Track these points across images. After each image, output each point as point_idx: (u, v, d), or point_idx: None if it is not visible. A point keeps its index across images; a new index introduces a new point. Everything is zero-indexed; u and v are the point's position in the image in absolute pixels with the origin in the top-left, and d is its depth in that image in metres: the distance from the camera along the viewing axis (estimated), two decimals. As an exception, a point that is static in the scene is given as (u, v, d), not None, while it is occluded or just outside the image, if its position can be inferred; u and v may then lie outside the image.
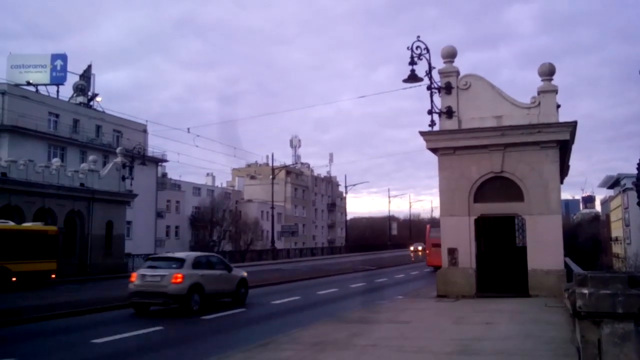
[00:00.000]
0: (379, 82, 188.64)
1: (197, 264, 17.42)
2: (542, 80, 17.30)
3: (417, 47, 17.39)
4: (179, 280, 16.13)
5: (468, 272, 17.22)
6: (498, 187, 17.48)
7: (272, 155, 66.88)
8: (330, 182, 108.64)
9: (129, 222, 47.21)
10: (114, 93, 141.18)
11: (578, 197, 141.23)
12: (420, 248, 74.33)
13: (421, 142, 17.96)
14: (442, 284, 17.57)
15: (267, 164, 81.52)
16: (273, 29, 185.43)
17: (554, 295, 15.55)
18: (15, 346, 11.54)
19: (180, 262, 17.09)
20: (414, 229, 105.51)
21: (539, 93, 17.29)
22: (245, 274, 19.77)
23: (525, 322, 12.07)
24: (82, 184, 36.41)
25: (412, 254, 64.69)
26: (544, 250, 16.47)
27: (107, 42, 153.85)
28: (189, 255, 18.34)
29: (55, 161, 38.67)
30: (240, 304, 18.24)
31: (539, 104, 17.16)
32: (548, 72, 17.20)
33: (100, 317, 15.64)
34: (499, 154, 17.26)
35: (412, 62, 17.32)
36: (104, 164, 46.08)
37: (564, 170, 20.15)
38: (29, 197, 32.02)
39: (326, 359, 8.78)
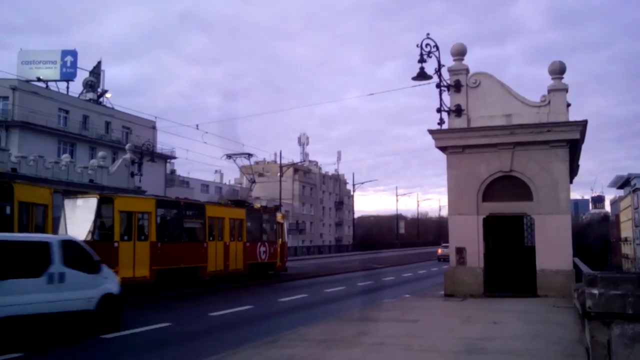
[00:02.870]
0: (386, 77, 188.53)
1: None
2: (552, 79, 17.19)
3: (427, 44, 17.34)
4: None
5: (476, 272, 17.17)
6: (507, 186, 17.41)
7: (280, 153, 67.16)
8: (338, 179, 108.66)
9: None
10: (119, 88, 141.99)
11: (587, 197, 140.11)
12: None
13: (429, 140, 17.94)
14: (449, 283, 17.53)
15: (275, 162, 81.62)
16: (278, 24, 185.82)
17: (562, 295, 15.48)
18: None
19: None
20: (421, 227, 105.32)
21: (549, 91, 17.19)
22: None
23: (534, 322, 12.03)
24: (91, 180, 36.68)
25: None
26: (553, 250, 16.39)
27: (111, 36, 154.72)
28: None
29: (65, 157, 38.99)
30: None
31: (549, 102, 17.06)
32: (558, 71, 17.09)
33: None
34: (508, 153, 17.18)
35: (422, 60, 17.27)
36: (113, 160, 46.39)
37: (573, 169, 20.04)
38: (39, 193, 32.27)
39: (334, 357, 8.78)
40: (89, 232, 18.20)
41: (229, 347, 9.73)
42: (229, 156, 28.54)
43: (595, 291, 5.72)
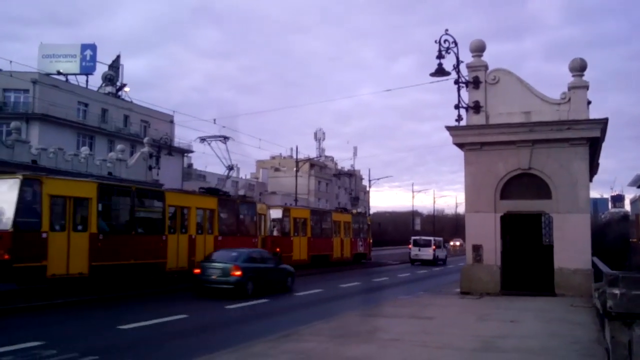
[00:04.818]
0: (400, 73, 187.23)
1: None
2: (572, 76, 17.00)
3: (445, 40, 17.23)
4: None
5: (493, 269, 17.07)
6: (525, 184, 17.27)
7: (297, 148, 66.90)
8: (353, 175, 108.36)
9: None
10: (134, 81, 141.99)
11: (607, 195, 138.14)
12: None
13: (444, 136, 17.96)
14: (466, 281, 17.45)
15: (291, 157, 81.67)
16: (291, 18, 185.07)
17: (580, 294, 15.35)
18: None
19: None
20: (437, 224, 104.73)
21: (569, 89, 16.99)
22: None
23: (551, 321, 11.93)
24: (110, 173, 37.00)
25: None
26: (571, 248, 16.24)
27: (125, 29, 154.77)
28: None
29: (84, 150, 39.43)
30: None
31: (569, 99, 16.87)
32: (579, 68, 16.90)
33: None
34: (527, 151, 17.03)
35: (440, 56, 17.15)
36: (132, 153, 46.73)
37: (593, 168, 19.80)
38: (58, 185, 32.70)
39: (349, 352, 8.79)
40: (273, 231, 30.30)
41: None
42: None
43: (617, 291, 5.65)
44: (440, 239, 43.98)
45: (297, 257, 30.20)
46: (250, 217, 26.85)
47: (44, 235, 15.94)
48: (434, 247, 40.60)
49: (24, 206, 15.86)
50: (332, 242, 34.82)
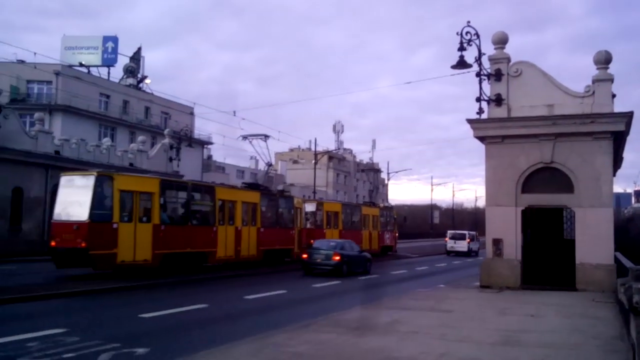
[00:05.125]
0: (420, 65, 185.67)
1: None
2: (597, 69, 16.72)
3: (467, 32, 17.06)
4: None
5: (513, 264, 16.94)
6: (547, 177, 17.08)
7: (315, 140, 67.18)
8: (372, 168, 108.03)
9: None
10: (154, 73, 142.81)
11: (630, 190, 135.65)
12: None
13: (464, 129, 18.00)
14: (485, 275, 17.35)
15: (309, 149, 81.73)
16: (309, 9, 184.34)
17: (602, 290, 15.18)
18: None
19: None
20: (456, 217, 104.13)
21: (593, 82, 16.72)
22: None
23: (572, 316, 11.81)
24: (131, 164, 37.45)
25: None
26: (594, 243, 16.04)
27: (145, 21, 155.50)
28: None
29: (106, 141, 39.85)
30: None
31: (593, 93, 16.62)
32: (604, 60, 16.62)
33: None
34: (550, 144, 16.83)
35: (462, 48, 17.01)
36: (152, 144, 47.13)
37: (617, 162, 19.50)
38: (81, 175, 33.14)
39: (368, 343, 8.80)
40: (307, 224, 31.79)
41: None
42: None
43: (643, 286, 5.57)
44: (474, 232, 47.27)
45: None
46: (288, 210, 28.62)
47: (115, 225, 17.75)
48: (468, 240, 44.32)
49: (97, 200, 17.68)
50: (361, 235, 36.04)
